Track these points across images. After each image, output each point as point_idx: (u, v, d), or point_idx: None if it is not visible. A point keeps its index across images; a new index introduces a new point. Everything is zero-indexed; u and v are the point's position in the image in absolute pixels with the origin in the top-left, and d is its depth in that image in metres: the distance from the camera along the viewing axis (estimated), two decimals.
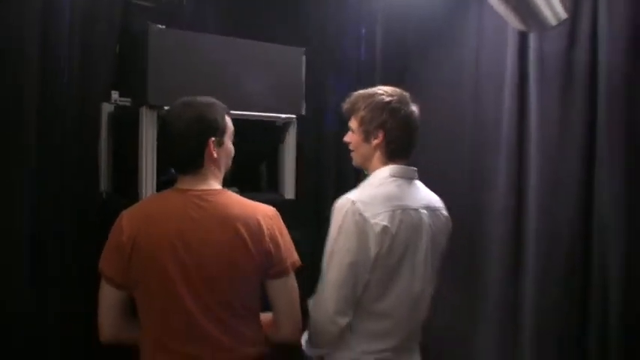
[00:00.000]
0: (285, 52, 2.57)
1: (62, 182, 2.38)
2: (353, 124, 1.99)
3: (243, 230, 1.75)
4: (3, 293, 2.20)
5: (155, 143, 2.26)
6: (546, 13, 2.45)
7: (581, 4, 2.71)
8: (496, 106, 2.92)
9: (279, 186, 2.65)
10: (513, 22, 2.64)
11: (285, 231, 1.85)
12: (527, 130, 2.81)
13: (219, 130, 1.84)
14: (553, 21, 2.53)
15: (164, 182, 2.22)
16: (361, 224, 1.79)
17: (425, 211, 1.93)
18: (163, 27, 2.34)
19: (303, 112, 2.62)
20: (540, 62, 2.78)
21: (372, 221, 1.80)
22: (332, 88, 3.14)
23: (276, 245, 1.79)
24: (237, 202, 1.83)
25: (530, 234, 2.79)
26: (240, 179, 2.36)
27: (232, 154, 1.94)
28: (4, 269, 2.20)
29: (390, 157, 1.94)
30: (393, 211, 1.83)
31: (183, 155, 1.83)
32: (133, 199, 2.10)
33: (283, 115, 2.56)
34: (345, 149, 2.09)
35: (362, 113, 1.94)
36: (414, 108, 1.98)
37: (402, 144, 1.94)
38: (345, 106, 2.00)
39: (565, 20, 2.57)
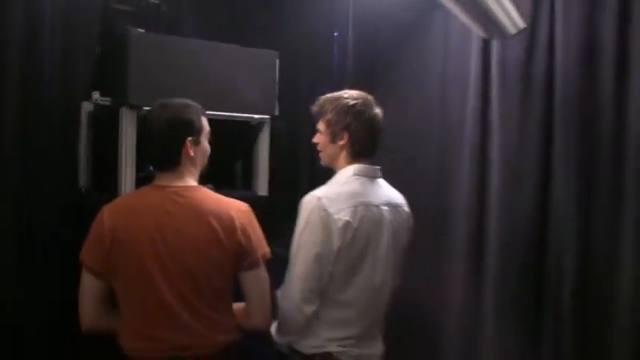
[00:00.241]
0: (259, 55, 2.68)
1: (42, 178, 2.46)
2: (321, 126, 2.12)
3: (216, 224, 1.87)
4: None
5: (134, 142, 2.36)
6: (505, 22, 2.59)
7: (539, 14, 2.86)
8: (461, 108, 3.04)
9: (253, 183, 2.77)
10: (476, 30, 2.80)
11: (256, 225, 1.97)
12: (489, 132, 2.95)
13: (195, 130, 1.96)
14: (512, 30, 2.68)
15: (142, 179, 2.32)
16: (325, 219, 1.92)
17: (386, 208, 2.06)
18: (143, 31, 2.44)
19: (277, 113, 2.74)
20: (502, 68, 2.92)
21: (336, 216, 1.93)
22: (306, 90, 3.25)
23: (248, 238, 1.91)
24: (211, 198, 1.95)
25: (492, 230, 2.94)
26: (215, 177, 2.47)
27: (208, 153, 2.05)
28: None
29: (355, 157, 2.07)
30: (356, 207, 1.96)
31: (161, 154, 1.95)
32: (113, 195, 2.19)
33: (257, 116, 2.67)
34: (316, 149, 2.22)
35: (329, 116, 2.07)
36: (378, 111, 2.10)
37: (366, 145, 2.07)
38: (314, 108, 2.13)
39: (524, 29, 2.73)
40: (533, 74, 2.87)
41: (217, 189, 2.11)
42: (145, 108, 2.26)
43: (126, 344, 1.92)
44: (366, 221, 1.98)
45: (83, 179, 2.63)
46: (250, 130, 2.73)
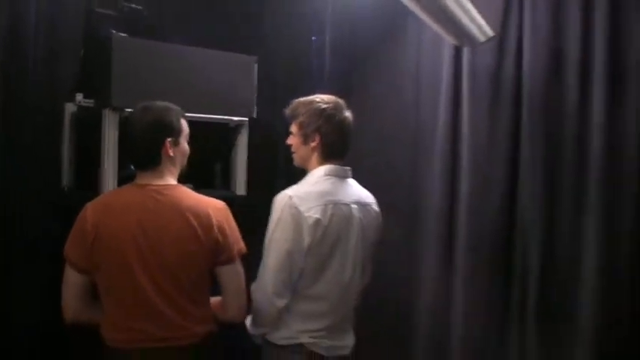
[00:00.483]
0: (238, 59, 2.78)
1: (26, 177, 2.53)
2: (293, 128, 2.22)
3: (194, 221, 1.97)
4: None
5: (116, 142, 2.45)
6: (474, 30, 2.72)
7: (508, 24, 2.99)
8: (433, 114, 3.16)
9: (231, 183, 2.87)
10: (447, 37, 2.92)
11: (232, 222, 2.07)
12: (460, 137, 3.08)
13: (174, 132, 2.06)
14: (482, 38, 2.81)
15: (124, 178, 2.41)
16: (296, 217, 2.03)
17: (355, 206, 2.17)
18: (125, 35, 2.53)
19: (255, 116, 2.83)
20: (472, 74, 3.05)
21: (306, 214, 2.03)
22: (284, 93, 3.34)
23: (224, 235, 2.01)
24: (190, 196, 2.05)
25: (461, 232, 3.06)
26: (196, 177, 2.56)
27: (187, 154, 2.15)
28: None
29: (326, 158, 2.17)
30: (326, 205, 2.07)
31: (142, 154, 2.05)
32: (95, 194, 2.26)
33: (235, 118, 2.77)
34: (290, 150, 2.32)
35: (301, 119, 2.18)
36: (348, 114, 2.21)
37: (337, 146, 2.17)
38: (287, 112, 2.24)
39: (493, 37, 2.86)
40: (502, 81, 3.01)
41: (197, 188, 2.20)
42: (127, 110, 2.35)
43: (107, 335, 2.00)
44: (336, 219, 2.09)
45: (66, 178, 2.70)
46: (229, 132, 2.82)
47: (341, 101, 2.22)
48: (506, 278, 2.98)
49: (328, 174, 2.15)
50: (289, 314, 2.10)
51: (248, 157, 2.89)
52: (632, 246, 2.72)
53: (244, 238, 2.12)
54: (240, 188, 2.84)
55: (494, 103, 3.01)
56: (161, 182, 2.04)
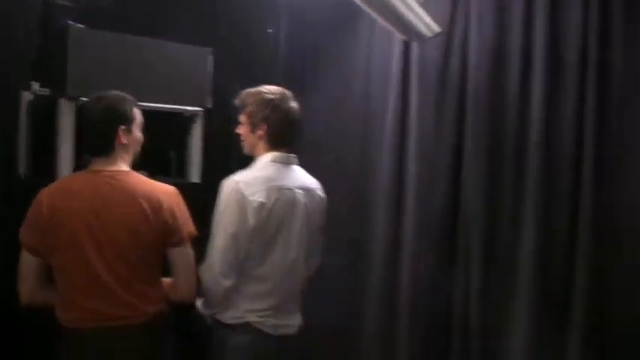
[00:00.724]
0: (193, 51, 2.85)
1: None
2: (242, 118, 2.33)
3: (146, 205, 2.06)
4: None
5: (72, 130, 2.51)
6: (420, 27, 2.85)
7: (455, 21, 3.14)
8: (382, 106, 3.30)
9: (186, 171, 2.95)
10: (396, 32, 3.04)
11: (183, 207, 2.17)
12: (408, 128, 3.22)
13: (128, 120, 2.16)
14: (428, 33, 2.95)
15: (80, 165, 2.48)
16: (242, 201, 2.14)
17: (300, 191, 2.28)
18: (82, 26, 2.59)
19: (209, 106, 2.92)
20: (421, 68, 3.19)
21: (251, 198, 2.14)
22: (240, 84, 3.43)
23: (174, 218, 2.11)
24: (141, 181, 2.14)
25: (409, 217, 3.21)
26: (151, 164, 2.64)
27: (141, 142, 2.24)
28: None
29: (272, 145, 2.28)
30: (270, 189, 2.18)
31: (96, 141, 2.14)
32: (51, 182, 2.31)
33: (190, 108, 2.86)
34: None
35: (249, 109, 2.29)
36: (294, 104, 2.32)
37: (282, 135, 2.28)
38: (237, 102, 2.34)
39: (440, 33, 3.00)
40: (449, 75, 3.16)
41: (152, 176, 2.28)
42: (82, 99, 2.42)
43: (62, 316, 2.09)
44: (280, 203, 2.20)
45: (23, 166, 2.74)
46: (184, 122, 2.91)
47: (287, 92, 2.33)
48: (451, 262, 3.13)
49: (274, 160, 2.26)
50: (237, 295, 2.21)
51: (204, 146, 2.97)
52: (567, 232, 2.90)
53: (198, 223, 2.21)
54: (195, 176, 2.93)
55: (441, 95, 3.16)
56: (114, 168, 2.12)
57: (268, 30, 3.57)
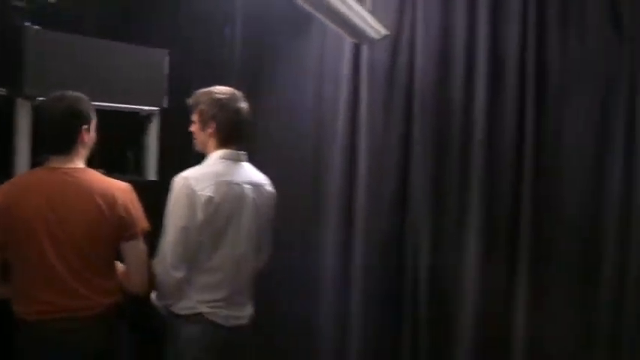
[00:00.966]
0: (149, 52, 2.95)
1: None
2: (194, 116, 2.43)
3: (100, 201, 2.15)
4: None
5: (29, 129, 2.58)
6: (368, 30, 2.98)
7: (402, 25, 3.30)
8: (334, 106, 3.44)
9: (143, 169, 3.04)
10: (347, 36, 3.17)
11: (136, 203, 2.26)
12: (358, 126, 3.36)
13: (88, 120, 2.25)
14: (376, 36, 3.08)
15: (36, 162, 2.55)
16: (191, 196, 2.24)
17: (248, 186, 2.39)
18: (39, 28, 2.66)
19: (166, 105, 3.01)
20: (370, 69, 3.34)
21: (200, 193, 2.24)
22: (197, 84, 3.51)
23: (128, 213, 2.20)
24: (97, 178, 2.23)
25: (359, 209, 3.35)
26: (109, 162, 2.73)
27: (94, 141, 2.33)
28: None
29: (222, 143, 2.39)
30: (218, 184, 2.29)
31: (58, 140, 2.21)
32: (8, 179, 2.39)
33: (146, 108, 2.95)
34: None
35: (200, 107, 2.40)
36: (244, 105, 2.42)
37: (231, 133, 2.38)
38: (190, 102, 2.44)
39: (387, 36, 3.14)
40: (397, 76, 3.32)
41: (110, 174, 2.36)
42: (39, 99, 2.49)
43: (18, 309, 2.16)
44: (228, 197, 2.31)
45: None
46: (141, 121, 2.99)
47: (238, 93, 2.44)
48: (400, 256, 3.28)
49: (223, 157, 2.37)
50: (189, 286, 2.31)
51: (161, 145, 3.06)
52: (507, 224, 3.07)
53: (155, 219, 2.31)
54: (152, 174, 3.02)
55: (389, 95, 3.32)
56: (71, 165, 2.21)
57: (225, 31, 3.66)
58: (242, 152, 2.43)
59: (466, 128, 3.16)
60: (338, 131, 3.41)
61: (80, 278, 2.15)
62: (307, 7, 2.68)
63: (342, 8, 2.65)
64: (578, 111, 3.04)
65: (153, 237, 2.32)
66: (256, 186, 2.44)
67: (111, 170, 2.58)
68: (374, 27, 2.97)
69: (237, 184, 2.36)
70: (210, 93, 2.40)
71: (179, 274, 2.26)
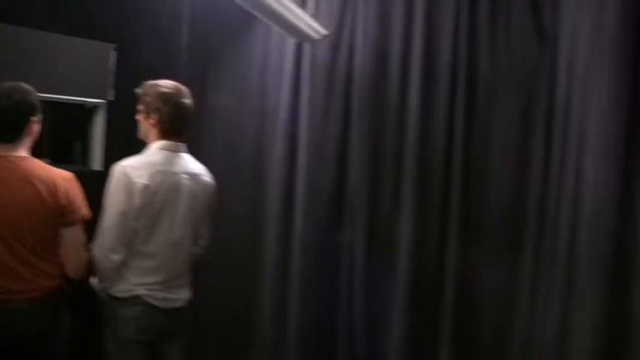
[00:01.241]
0: (96, 46, 3.05)
1: None
2: (140, 107, 2.56)
3: (42, 188, 2.27)
4: None
5: None
6: (308, 30, 3.13)
7: (343, 21, 3.45)
8: (277, 99, 3.58)
9: (89, 159, 3.14)
10: (289, 36, 3.32)
11: (77, 190, 2.38)
12: (299, 119, 3.52)
13: (36, 111, 2.36)
14: (316, 36, 3.23)
15: None
16: (128, 183, 2.37)
17: (185, 176, 2.53)
18: None
19: (111, 98, 3.11)
20: (311, 66, 3.48)
21: (136, 180, 2.38)
22: (145, 77, 3.61)
23: (69, 200, 2.32)
24: (39, 166, 2.34)
25: (299, 198, 3.51)
26: (56, 153, 2.83)
27: (39, 131, 2.43)
28: None
29: (163, 134, 2.52)
30: (155, 173, 2.42)
31: (8, 130, 2.31)
32: None
33: (92, 100, 3.05)
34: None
35: (145, 98, 2.53)
36: (187, 100, 2.55)
37: (172, 125, 2.51)
38: (138, 92, 2.56)
39: (327, 35, 3.30)
40: (336, 73, 3.48)
41: (56, 163, 2.47)
42: None
43: None
44: (165, 185, 2.44)
45: None
46: (87, 113, 3.09)
47: (183, 88, 2.57)
48: (337, 240, 3.48)
49: (162, 148, 2.50)
50: (127, 270, 2.43)
51: (107, 136, 3.17)
52: (440, 213, 3.28)
53: (98, 208, 2.42)
54: (97, 164, 3.12)
55: (330, 90, 3.48)
56: (16, 154, 2.31)
57: (172, 28, 3.75)
58: (181, 144, 2.56)
59: (401, 123, 3.33)
60: (279, 125, 3.55)
61: (23, 262, 2.26)
62: (249, 9, 2.82)
63: (282, 10, 2.80)
64: (504, 107, 3.21)
65: (97, 224, 2.44)
66: (193, 176, 2.57)
67: (57, 160, 2.68)
68: (314, 27, 3.12)
69: (175, 173, 2.49)
70: (156, 86, 2.53)
71: (117, 257, 2.39)
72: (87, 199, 2.45)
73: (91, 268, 2.45)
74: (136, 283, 2.44)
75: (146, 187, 2.39)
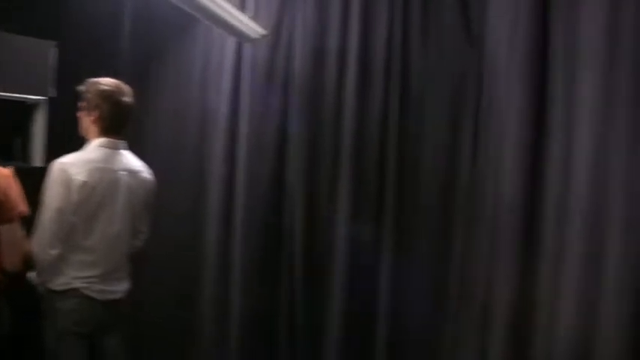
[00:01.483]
0: (36, 44, 3.09)
1: None
2: (82, 103, 2.61)
3: None
4: None
5: None
6: (246, 30, 3.23)
7: (282, 20, 3.55)
8: (218, 96, 3.66)
9: (29, 156, 3.18)
10: (228, 34, 3.41)
11: (15, 187, 2.43)
12: (240, 114, 3.61)
13: None
14: (255, 35, 3.33)
15: None
16: (66, 180, 2.44)
17: (124, 172, 2.61)
18: None
19: (52, 95, 3.15)
20: (251, 65, 3.58)
21: (74, 177, 2.45)
22: (87, 74, 3.65)
23: (7, 197, 2.38)
24: None
25: (240, 193, 3.60)
26: None
27: None
28: None
29: (103, 131, 2.59)
30: (93, 170, 2.49)
31: None
32: None
33: (32, 97, 3.09)
34: None
35: (87, 95, 2.60)
36: (127, 98, 2.62)
37: (112, 123, 2.59)
38: (79, 90, 2.62)
39: (266, 35, 3.40)
40: (276, 70, 3.58)
41: None
42: None
43: None
44: (103, 182, 2.52)
45: None
46: (27, 110, 3.13)
47: (124, 86, 2.64)
48: (277, 233, 3.59)
49: (101, 145, 2.58)
50: (66, 264, 2.51)
51: (48, 133, 3.20)
52: (374, 205, 3.42)
53: (38, 204, 2.48)
54: (38, 160, 3.16)
55: (269, 87, 3.58)
56: None
57: (115, 25, 3.79)
58: (121, 141, 2.64)
59: (337, 118, 3.45)
60: (220, 120, 3.63)
61: None
62: (189, 10, 2.90)
63: (220, 12, 2.89)
64: (435, 103, 3.34)
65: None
66: (132, 172, 2.65)
67: None
68: (253, 28, 3.22)
69: (114, 170, 2.57)
70: (97, 83, 2.60)
71: (54, 252, 2.45)
72: (27, 196, 2.51)
73: (29, 263, 2.51)
74: (74, 277, 2.51)
75: (84, 183, 2.46)
